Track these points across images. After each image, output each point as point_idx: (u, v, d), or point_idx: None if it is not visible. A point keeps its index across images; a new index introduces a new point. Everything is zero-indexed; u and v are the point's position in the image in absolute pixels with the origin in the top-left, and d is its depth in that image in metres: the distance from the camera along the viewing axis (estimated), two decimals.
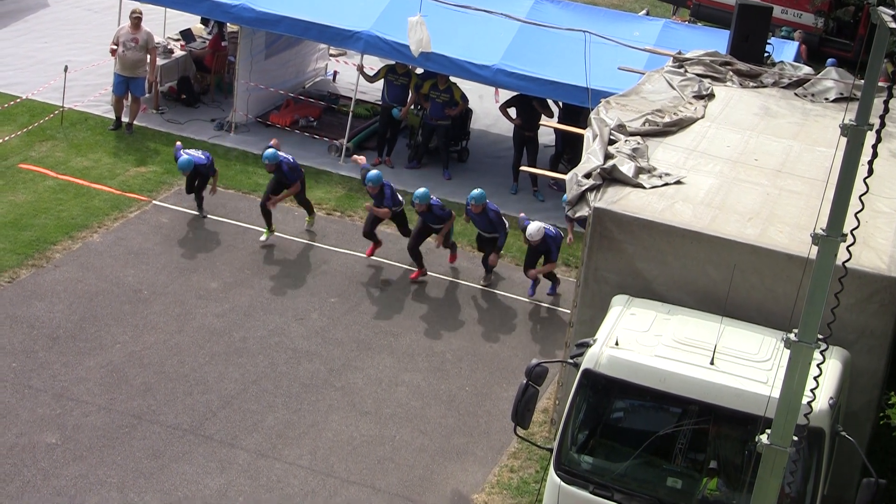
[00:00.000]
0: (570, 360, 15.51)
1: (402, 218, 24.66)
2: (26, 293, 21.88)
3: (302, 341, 21.33)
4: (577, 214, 16.99)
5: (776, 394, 11.16)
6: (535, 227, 22.86)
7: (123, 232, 24.43)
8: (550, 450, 15.08)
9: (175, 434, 18.70)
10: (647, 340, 14.71)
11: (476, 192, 23.34)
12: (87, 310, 21.58)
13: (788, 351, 10.72)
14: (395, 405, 19.84)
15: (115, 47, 28.47)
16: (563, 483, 14.66)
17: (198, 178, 25.24)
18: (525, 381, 14.95)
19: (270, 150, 24.56)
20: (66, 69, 28.83)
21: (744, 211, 16.38)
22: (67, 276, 22.53)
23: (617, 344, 14.59)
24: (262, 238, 24.72)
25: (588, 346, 14.86)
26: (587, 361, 14.63)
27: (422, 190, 23.47)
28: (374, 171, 23.95)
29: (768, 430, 11.13)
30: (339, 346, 21.28)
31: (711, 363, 14.15)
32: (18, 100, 29.26)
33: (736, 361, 14.22)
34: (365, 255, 24.32)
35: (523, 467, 18.70)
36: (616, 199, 16.47)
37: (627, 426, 15.00)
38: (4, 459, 17.66)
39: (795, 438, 11.15)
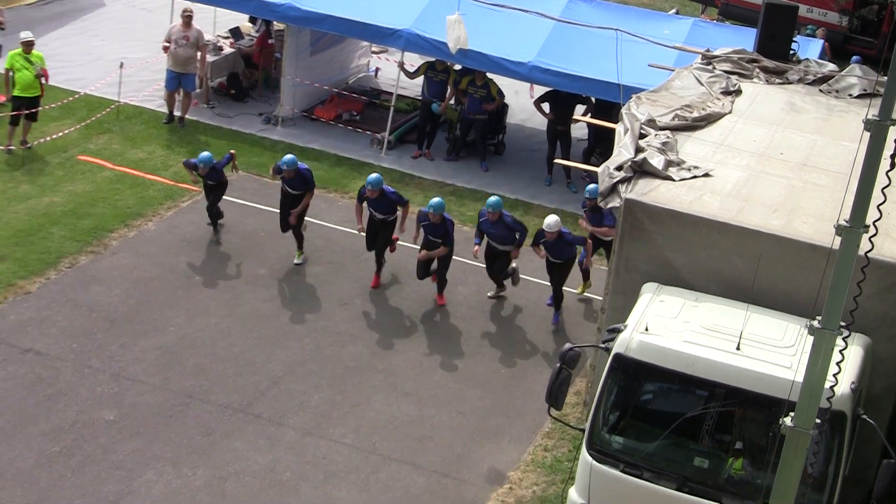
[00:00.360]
0: (602, 345, 15.53)
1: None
2: (86, 278, 22.02)
3: (345, 325, 21.39)
4: (609, 205, 16.99)
5: (800, 378, 11.13)
6: (553, 219, 21.53)
7: (176, 220, 24.55)
8: (583, 430, 15.11)
9: (225, 412, 18.81)
10: (675, 326, 14.71)
11: (493, 199, 22.19)
12: (142, 294, 21.71)
13: (812, 337, 10.70)
14: (435, 387, 19.90)
15: (167, 44, 28.60)
16: (594, 462, 14.70)
17: (213, 190, 24.06)
18: (559, 365, 14.98)
19: (291, 156, 23.46)
20: (121, 66, 28.99)
21: (769, 203, 16.35)
22: (124, 262, 22.66)
23: (647, 330, 14.60)
24: (296, 260, 23.58)
25: (619, 331, 14.88)
26: (618, 346, 14.66)
27: (374, 175, 22.54)
28: (374, 175, 22.73)
29: (792, 413, 11.12)
30: (380, 330, 21.35)
31: (737, 348, 14.14)
32: (77, 95, 29.37)
33: (761, 347, 14.22)
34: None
35: (557, 446, 18.72)
36: (646, 191, 16.46)
37: (656, 408, 15.00)
38: (66, 435, 17.80)
39: (818, 421, 11.13)
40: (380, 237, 22.79)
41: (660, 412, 14.90)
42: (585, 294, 23.37)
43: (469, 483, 17.92)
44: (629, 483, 14.48)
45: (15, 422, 18.13)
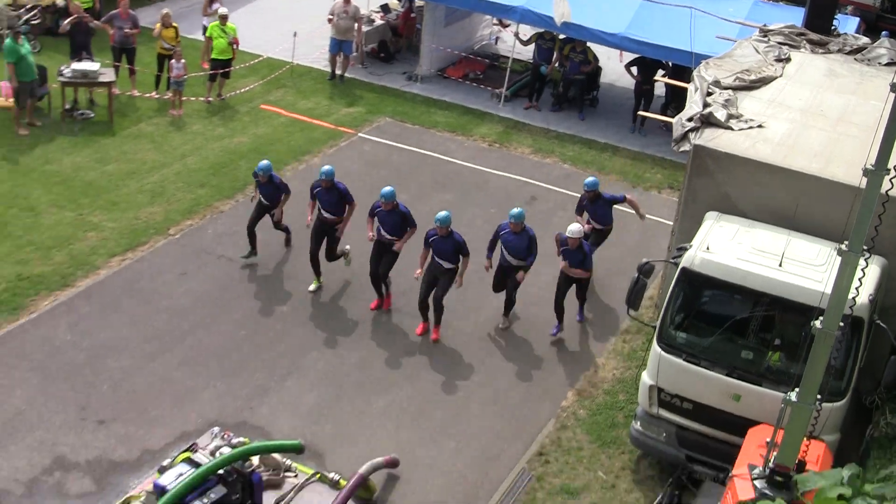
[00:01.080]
0: (672, 260, 15.66)
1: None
2: None
3: (471, 240, 21.49)
4: (681, 150, 17.05)
5: (828, 290, 11.30)
6: (576, 226, 18.55)
7: (336, 156, 24.88)
8: (654, 327, 15.27)
9: (372, 313, 19.27)
10: (731, 247, 14.80)
11: (516, 210, 18.57)
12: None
13: (839, 258, 10.85)
14: (541, 289, 19.94)
15: (331, 17, 28.94)
16: (662, 352, 14.91)
17: (263, 211, 20.32)
18: (637, 275, 15.24)
19: (329, 167, 19.43)
20: (294, 35, 29.33)
21: (810, 150, 16.29)
22: (296, 189, 23.04)
23: (708, 249, 14.72)
24: (311, 287, 19.73)
25: (686, 250, 15.01)
26: (684, 261, 14.79)
27: (388, 189, 18.68)
28: (387, 188, 18.73)
29: (821, 318, 11.28)
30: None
31: (780, 265, 14.22)
32: (260, 58, 29.76)
33: (799, 265, 14.27)
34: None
35: (633, 339, 18.91)
36: (711, 139, 16.49)
37: (713, 311, 15.08)
38: (251, 322, 18.29)
39: (841, 324, 11.29)
40: (384, 259, 19.10)
41: (716, 315, 14.99)
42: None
43: (563, 365, 18.19)
44: (689, 369, 14.68)
45: (214, 313, 18.69)
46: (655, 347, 15.03)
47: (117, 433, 15.84)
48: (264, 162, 20.02)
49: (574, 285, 18.95)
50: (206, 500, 13.32)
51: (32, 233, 20.59)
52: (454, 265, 18.37)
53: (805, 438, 12.10)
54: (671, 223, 18.39)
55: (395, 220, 18.78)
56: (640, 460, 16.05)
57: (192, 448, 14.44)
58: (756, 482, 12.45)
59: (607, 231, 20.39)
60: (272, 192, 20.06)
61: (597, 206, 20.06)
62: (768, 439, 12.63)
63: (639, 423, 15.52)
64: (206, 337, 18.05)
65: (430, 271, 18.44)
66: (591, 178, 20.17)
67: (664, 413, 15.19)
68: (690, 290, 14.97)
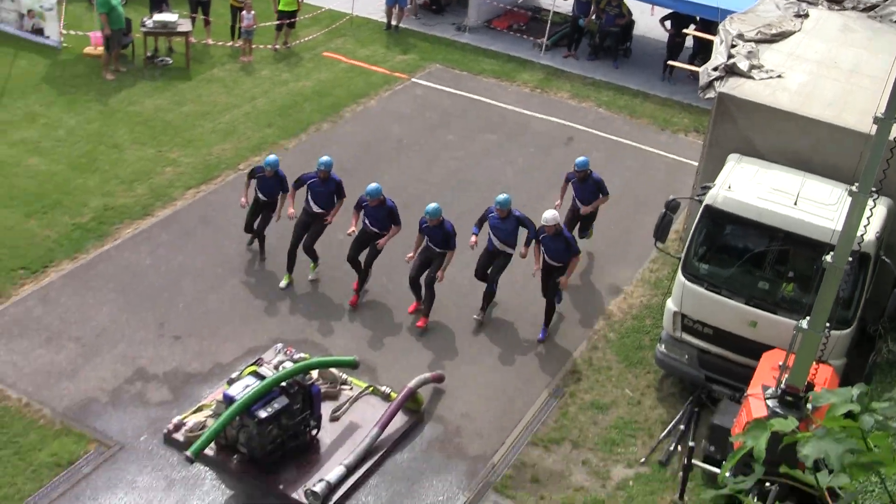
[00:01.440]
0: (696, 198, 15.55)
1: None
2: (326, 140, 22.46)
3: (511, 178, 21.56)
4: (707, 97, 16.84)
5: (839, 227, 11.16)
6: (550, 213, 16.25)
7: (391, 100, 24.79)
8: (679, 258, 15.23)
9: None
10: (751, 186, 14.66)
11: (502, 196, 16.67)
12: (364, 152, 22.09)
13: (850, 198, 10.68)
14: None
15: None
16: (686, 282, 14.84)
17: (263, 209, 17.97)
18: (664, 211, 15.14)
19: (328, 158, 17.51)
20: None
21: (825, 99, 16.06)
22: (353, 129, 23.06)
23: (730, 188, 14.59)
24: (282, 284, 17.55)
25: (709, 188, 14.90)
26: (708, 199, 14.68)
27: (374, 185, 16.95)
28: (373, 185, 16.96)
29: (832, 253, 11.15)
30: (536, 182, 21.40)
31: (795, 204, 14.09)
32: (322, 9, 29.60)
33: (812, 204, 14.12)
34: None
35: (660, 269, 18.81)
36: (734, 87, 16.29)
37: (733, 245, 14.99)
38: (303, 254, 18.36)
39: (850, 259, 11.16)
40: (369, 251, 17.29)
41: (735, 248, 14.91)
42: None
43: (595, 293, 18.14)
44: (711, 297, 14.61)
45: (280, 238, 18.62)
46: (680, 277, 14.96)
47: (191, 348, 15.99)
48: (272, 157, 17.73)
49: (552, 276, 16.66)
50: (269, 410, 13.48)
51: (117, 168, 20.70)
52: (447, 249, 16.77)
53: (814, 362, 12.05)
54: (696, 164, 18.21)
55: (381, 214, 17.00)
56: (663, 380, 16.02)
57: (258, 362, 14.58)
58: (769, 401, 12.43)
59: (589, 214, 18.35)
60: (273, 187, 17.59)
61: (585, 186, 18.11)
62: (781, 363, 12.59)
63: (663, 345, 15.49)
64: (272, 263, 18.09)
65: (423, 253, 16.89)
66: (581, 158, 18.08)
67: (687, 337, 15.14)
68: (713, 226, 14.85)
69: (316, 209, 17.49)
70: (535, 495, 13.76)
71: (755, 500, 9.12)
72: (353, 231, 17.06)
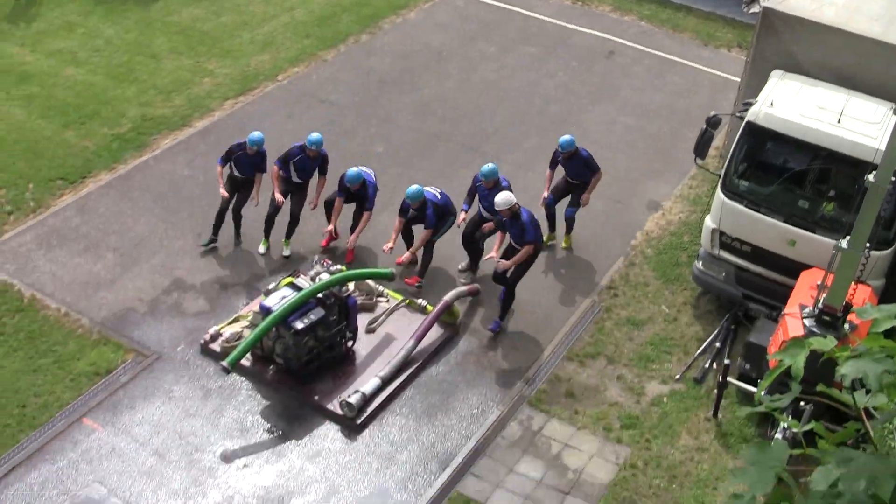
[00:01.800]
0: (738, 114, 15.35)
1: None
2: (365, 51, 22.33)
3: (551, 91, 21.38)
4: (751, 11, 16.58)
5: (882, 146, 11.01)
6: (502, 196, 14.72)
7: (431, 11, 24.50)
8: (718, 175, 15.09)
9: (462, 149, 19.12)
10: (794, 103, 14.45)
11: (487, 167, 15.72)
12: (405, 63, 21.94)
13: (894, 116, 10.53)
14: (616, 137, 19.86)
15: None
16: (725, 199, 14.73)
17: (240, 188, 16.22)
18: (705, 127, 14.97)
19: (317, 135, 16.09)
20: None
21: (871, 14, 15.73)
22: (392, 40, 22.87)
23: (772, 105, 14.38)
24: (261, 249, 16.31)
25: (751, 105, 14.71)
26: (749, 115, 14.50)
27: (257, 134, 15.81)
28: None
29: (874, 172, 11.03)
30: (577, 96, 21.29)
31: (838, 122, 13.88)
32: None
33: (856, 122, 13.90)
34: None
35: (699, 186, 18.65)
36: (780, 1, 16.00)
37: (774, 163, 14.82)
38: (348, 161, 18.32)
39: (893, 178, 11.04)
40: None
41: (776, 166, 14.75)
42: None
43: (634, 208, 18.07)
44: (750, 215, 14.51)
45: None
46: (719, 194, 14.85)
47: (229, 259, 16.08)
48: (257, 134, 15.98)
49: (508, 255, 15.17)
50: (306, 321, 13.60)
51: (155, 78, 20.69)
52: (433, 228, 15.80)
53: (853, 282, 11.98)
54: (738, 80, 17.96)
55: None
56: (700, 297, 15.99)
57: (295, 274, 14.66)
58: (806, 321, 12.41)
59: (584, 185, 16.75)
60: (251, 166, 16.02)
61: (572, 163, 16.54)
62: (819, 282, 12.53)
63: (701, 262, 15.43)
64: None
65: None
66: (565, 137, 16.44)
67: (724, 254, 15.08)
68: (754, 143, 14.68)
69: (298, 181, 16.26)
70: (570, 409, 13.86)
71: (789, 418, 9.13)
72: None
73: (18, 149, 18.32)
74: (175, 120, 19.39)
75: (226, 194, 16.04)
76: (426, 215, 15.69)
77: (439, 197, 15.95)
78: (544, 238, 16.35)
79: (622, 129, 20.15)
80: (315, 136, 16.06)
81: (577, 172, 16.64)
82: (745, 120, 14.55)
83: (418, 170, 18.31)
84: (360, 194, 16.14)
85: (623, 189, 18.50)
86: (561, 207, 16.97)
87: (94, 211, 16.97)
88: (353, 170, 16.02)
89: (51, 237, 16.34)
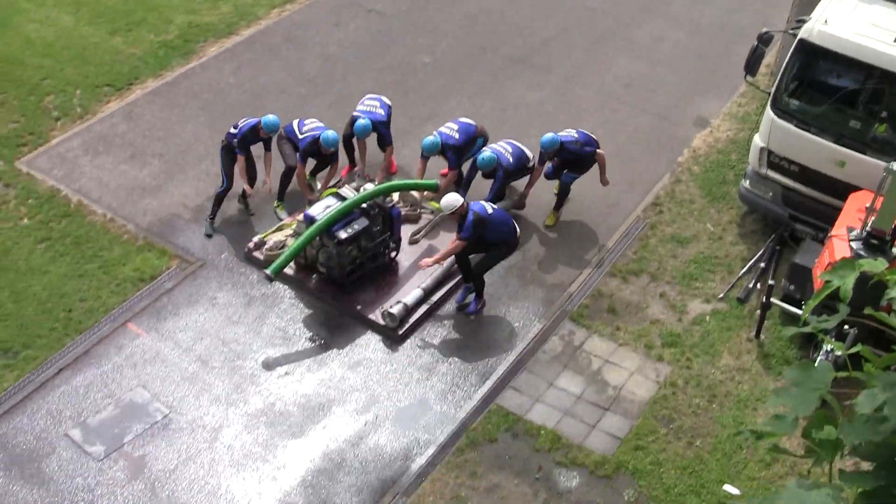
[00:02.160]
0: (790, 31, 15.04)
1: None
2: None
3: (599, 3, 20.98)
4: None
5: None
6: (448, 199, 13.48)
7: None
8: (769, 93, 14.84)
9: (508, 62, 18.93)
10: (848, 22, 14.12)
11: (428, 139, 15.03)
12: None
13: None
14: (662, 54, 19.59)
15: None
16: (775, 118, 14.49)
17: (233, 160, 14.74)
18: (756, 43, 14.67)
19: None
20: None
21: None
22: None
23: (826, 22, 14.07)
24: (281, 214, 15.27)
25: (804, 22, 14.38)
26: (803, 33, 14.19)
27: (272, 117, 14.62)
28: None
29: None
30: (627, 8, 20.90)
31: (894, 41, 13.59)
32: None
33: None
34: None
35: (748, 103, 18.38)
36: None
37: (826, 82, 14.54)
38: (396, 70, 18.17)
39: None
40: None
41: (828, 85, 14.47)
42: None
43: (681, 125, 17.86)
44: (800, 135, 14.28)
45: (362, 58, 18.69)
46: (769, 112, 14.61)
47: (274, 166, 15.97)
48: (272, 118, 14.69)
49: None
50: (350, 231, 13.63)
51: None
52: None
53: None
54: None
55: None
56: (745, 216, 15.85)
57: (339, 184, 14.65)
58: (853, 243, 12.27)
59: (586, 159, 15.46)
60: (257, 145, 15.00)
61: (563, 156, 15.20)
62: (868, 204, 12.37)
63: (748, 181, 15.26)
64: (355, 82, 18.01)
65: None
66: (546, 136, 15.00)
67: (772, 174, 14.89)
68: (806, 61, 14.38)
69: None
70: (611, 326, 13.86)
71: (833, 341, 9.07)
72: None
73: (66, 55, 18.36)
74: (221, 27, 19.31)
75: (250, 191, 14.97)
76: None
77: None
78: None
79: (671, 44, 19.84)
80: (330, 134, 14.72)
81: (574, 160, 15.37)
82: (798, 37, 14.25)
83: (464, 81, 18.17)
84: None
85: (670, 105, 18.27)
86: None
87: (140, 118, 17.01)
88: (361, 123, 15.09)
89: (97, 143, 16.42)
